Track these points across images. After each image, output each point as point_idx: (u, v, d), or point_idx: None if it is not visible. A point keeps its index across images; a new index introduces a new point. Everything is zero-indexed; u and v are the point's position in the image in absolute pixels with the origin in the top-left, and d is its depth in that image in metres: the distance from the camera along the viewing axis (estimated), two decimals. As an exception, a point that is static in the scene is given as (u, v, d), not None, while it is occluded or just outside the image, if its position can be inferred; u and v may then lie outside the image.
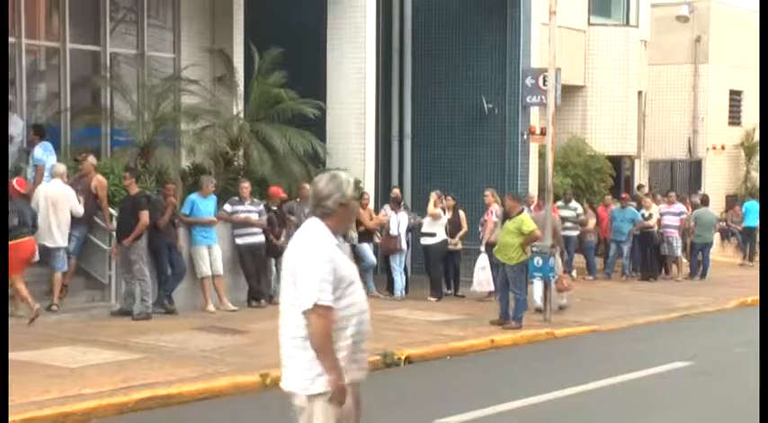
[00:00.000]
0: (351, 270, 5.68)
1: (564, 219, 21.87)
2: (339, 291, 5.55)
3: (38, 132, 16.48)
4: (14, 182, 14.84)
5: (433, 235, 19.29)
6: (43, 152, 16.09)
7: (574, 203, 23.47)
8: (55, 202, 15.04)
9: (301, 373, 5.65)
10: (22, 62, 17.91)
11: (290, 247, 5.67)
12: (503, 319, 16.10)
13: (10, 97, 17.60)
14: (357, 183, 18.36)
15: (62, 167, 15.48)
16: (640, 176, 31.21)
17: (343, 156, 19.35)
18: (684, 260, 25.16)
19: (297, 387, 5.70)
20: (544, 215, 17.59)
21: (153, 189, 16.39)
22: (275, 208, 17.60)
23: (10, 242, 13.52)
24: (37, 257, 14.51)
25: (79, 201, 15.32)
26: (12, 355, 12.05)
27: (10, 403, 9.86)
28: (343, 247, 5.72)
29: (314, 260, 5.50)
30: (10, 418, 9.49)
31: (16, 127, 16.75)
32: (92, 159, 16.14)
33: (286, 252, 5.71)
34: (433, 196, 19.18)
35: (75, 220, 15.32)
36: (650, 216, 24.29)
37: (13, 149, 16.55)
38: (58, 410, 9.86)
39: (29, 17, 18.01)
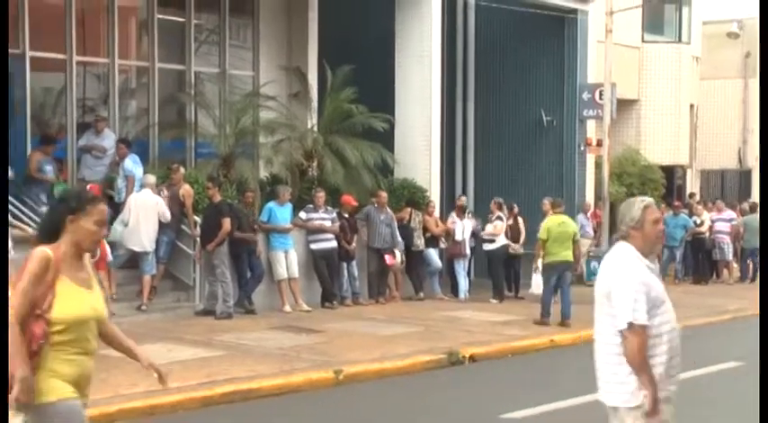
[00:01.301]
0: (661, 289, 5.69)
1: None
2: (653, 310, 5.58)
3: (126, 145, 16.67)
4: (88, 187, 15.08)
5: (493, 241, 19.23)
6: (133, 164, 16.29)
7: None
8: (144, 211, 15.20)
9: (621, 388, 5.66)
10: (115, 81, 18.13)
11: (603, 270, 5.74)
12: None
13: (103, 113, 17.86)
14: (423, 192, 18.35)
15: (152, 178, 15.65)
16: (692, 185, 30.83)
17: (410, 166, 19.32)
18: (735, 264, 24.80)
19: (617, 400, 5.71)
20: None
21: (234, 198, 16.48)
22: (347, 215, 17.63)
23: None
24: (110, 258, 14.58)
25: (168, 208, 15.47)
26: (105, 351, 12.21)
27: (103, 395, 10.00)
28: (652, 268, 5.69)
29: (627, 282, 5.54)
30: (103, 410, 9.64)
31: (109, 140, 16.93)
32: (182, 170, 16.29)
33: (599, 274, 5.77)
34: (493, 206, 19.15)
35: (163, 227, 15.46)
36: (702, 223, 23.99)
37: (105, 161, 16.76)
38: (147, 403, 9.96)
39: (121, 39, 18.23)
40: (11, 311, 4.85)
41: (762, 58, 17.16)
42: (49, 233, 5.07)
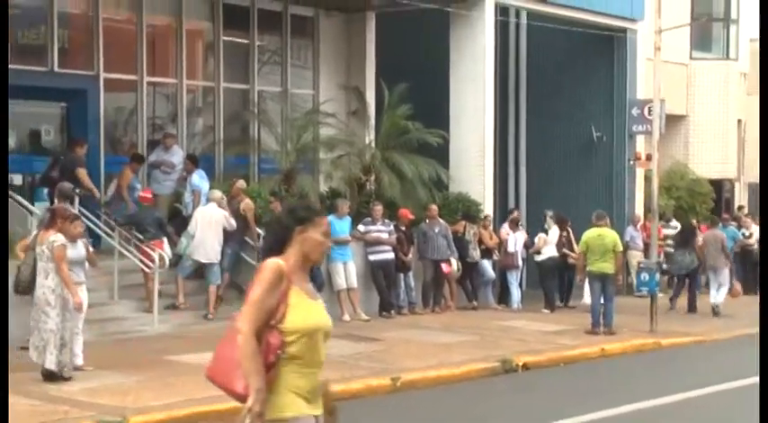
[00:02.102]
0: None
1: (666, 237, 21.57)
2: None
3: (193, 161, 16.86)
4: (142, 192, 15.36)
5: (541, 252, 19.23)
6: (200, 179, 16.48)
7: (674, 223, 23.08)
8: (209, 224, 15.34)
9: None
10: (183, 100, 18.38)
11: None
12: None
13: (172, 130, 18.08)
14: (477, 205, 18.44)
15: (218, 193, 15.79)
16: (740, 198, 30.45)
17: (464, 181, 19.32)
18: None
19: None
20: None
21: (295, 211, 16.56)
22: (404, 228, 17.68)
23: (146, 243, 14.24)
24: (168, 257, 14.79)
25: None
26: (175, 358, 12.42)
27: (174, 399, 10.15)
28: None
29: None
30: (175, 413, 9.78)
31: (177, 157, 17.14)
32: (240, 184, 16.41)
33: None
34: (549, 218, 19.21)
35: (227, 239, 15.56)
36: (750, 234, 23.72)
37: (174, 176, 16.96)
38: (215, 407, 10.05)
39: (189, 61, 18.47)
40: (245, 322, 4.70)
41: (762, 55, 16.95)
42: (277, 245, 4.90)
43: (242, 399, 4.70)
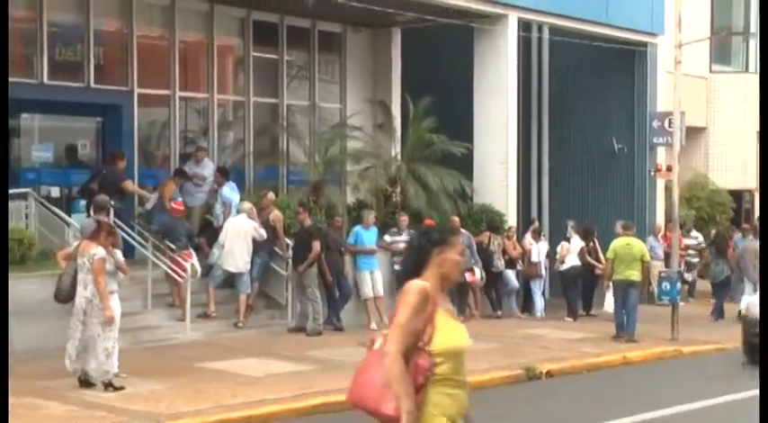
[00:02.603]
0: None
1: (687, 246, 21.47)
2: None
3: (223, 174, 16.93)
4: (173, 203, 15.46)
5: (564, 262, 19.19)
6: (230, 191, 16.55)
7: (695, 233, 22.99)
8: (239, 234, 15.39)
9: None
10: (214, 114, 18.48)
11: None
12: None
13: (203, 144, 18.17)
14: (501, 216, 18.41)
15: (248, 205, 15.83)
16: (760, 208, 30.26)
17: (488, 192, 19.29)
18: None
19: None
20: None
21: (323, 222, 16.64)
22: (429, 238, 17.63)
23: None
24: (198, 269, 14.88)
25: (260, 231, 15.68)
26: (206, 365, 12.47)
27: (204, 406, 10.19)
28: None
29: None
30: (206, 419, 9.82)
31: (208, 169, 17.21)
32: (270, 196, 16.46)
33: None
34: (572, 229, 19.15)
35: (257, 249, 15.60)
36: (770, 244, 23.51)
37: (205, 189, 17.03)
38: (245, 413, 10.12)
39: (219, 76, 18.58)
40: (394, 345, 4.62)
41: (762, 56, 16.83)
42: (415, 268, 4.83)
43: (393, 421, 4.64)
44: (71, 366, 10.86)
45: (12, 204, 14.88)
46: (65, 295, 10.97)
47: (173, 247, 14.87)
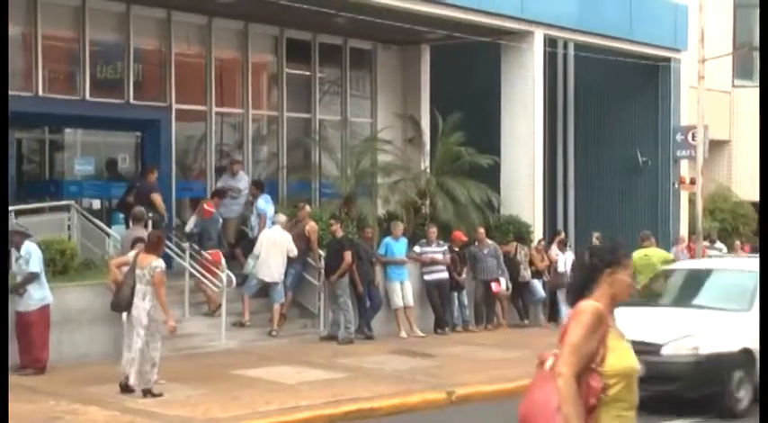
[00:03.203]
0: None
1: (709, 257, 21.30)
2: None
3: (258, 187, 17.00)
4: (205, 204, 15.56)
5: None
6: (265, 203, 16.60)
7: (719, 244, 22.83)
8: (274, 245, 15.41)
9: None
10: (248, 128, 18.56)
11: None
12: None
13: (238, 157, 18.25)
14: (527, 227, 18.36)
15: (283, 217, 15.87)
16: (782, 220, 29.96)
17: (515, 204, 19.26)
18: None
19: None
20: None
21: (354, 233, 16.65)
22: (457, 249, 17.66)
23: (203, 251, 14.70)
24: (224, 265, 14.99)
25: (295, 244, 15.67)
26: (241, 372, 12.51)
27: (239, 412, 10.21)
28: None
29: None
30: (242, 425, 9.84)
31: (243, 182, 17.28)
32: (307, 208, 16.46)
33: None
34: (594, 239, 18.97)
35: (290, 259, 15.63)
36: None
37: (240, 201, 17.08)
38: (279, 419, 10.12)
39: (254, 92, 18.68)
40: (566, 366, 4.46)
41: (762, 57, 16.66)
42: (584, 288, 4.67)
43: None
44: (132, 375, 10.80)
45: (54, 216, 15.05)
46: (124, 306, 10.92)
47: (196, 247, 15.05)
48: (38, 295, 12.07)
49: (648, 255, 16.44)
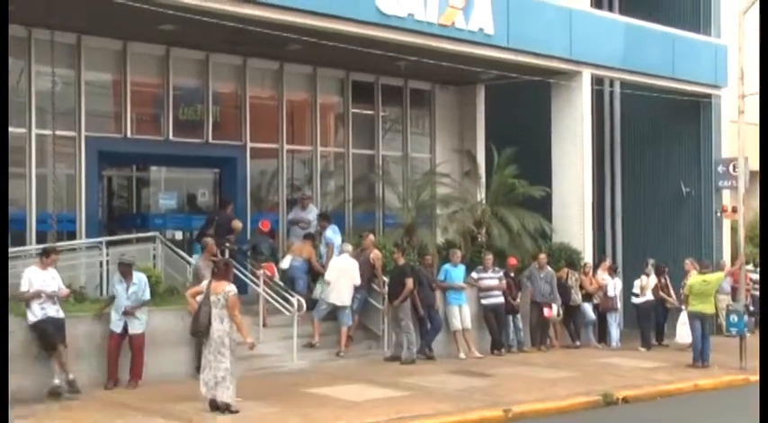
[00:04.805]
0: None
1: (752, 281, 20.89)
2: None
3: (325, 218, 17.05)
4: (260, 223, 16.05)
5: (639, 295, 18.82)
6: (333, 234, 16.65)
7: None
8: (344, 272, 15.45)
9: None
10: (317, 164, 18.68)
11: None
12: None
13: (308, 191, 18.36)
14: (578, 254, 18.22)
15: (349, 246, 15.94)
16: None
17: (565, 232, 19.09)
18: None
19: None
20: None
21: (415, 260, 16.62)
22: (512, 275, 17.53)
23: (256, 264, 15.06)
24: (276, 277, 15.26)
25: (361, 270, 15.69)
26: (311, 390, 12.51)
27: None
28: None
29: None
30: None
31: (312, 214, 17.36)
32: (371, 237, 16.51)
33: None
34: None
35: (357, 285, 15.66)
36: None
37: (310, 231, 17.15)
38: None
39: (322, 130, 18.82)
40: None
41: (762, 56, 16.21)
42: None
43: None
44: (208, 393, 10.84)
45: (141, 247, 15.28)
46: (202, 331, 10.95)
47: (253, 260, 15.37)
48: (144, 318, 12.55)
49: (707, 280, 16.23)
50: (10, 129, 14.62)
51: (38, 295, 11.79)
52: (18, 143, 14.63)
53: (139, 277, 12.65)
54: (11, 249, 13.82)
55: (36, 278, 11.90)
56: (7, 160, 11.47)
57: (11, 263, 13.27)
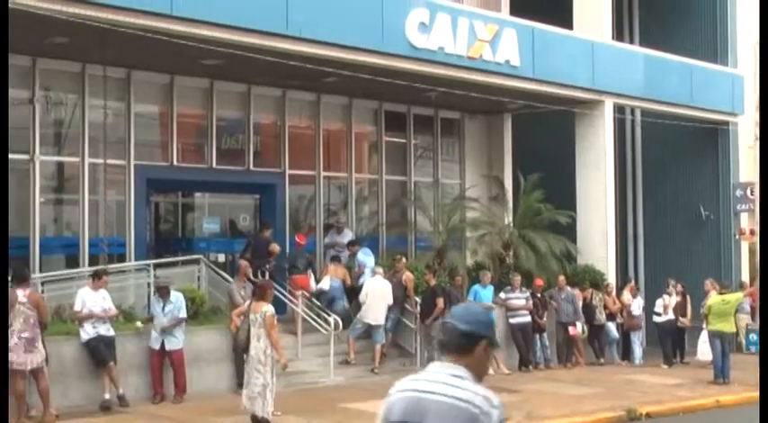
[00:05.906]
0: None
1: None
2: None
3: (354, 244, 17.03)
4: (296, 237, 16.20)
5: (660, 314, 18.64)
6: (364, 256, 16.67)
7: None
8: (377, 293, 15.48)
9: None
10: (352, 190, 18.74)
11: None
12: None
13: (343, 216, 18.42)
14: (602, 275, 18.06)
15: (380, 269, 15.99)
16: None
17: (590, 254, 18.98)
18: None
19: None
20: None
21: (446, 281, 16.60)
22: (539, 295, 17.45)
23: (291, 276, 15.29)
24: (313, 288, 15.33)
25: (394, 291, 15.67)
26: (347, 405, 12.48)
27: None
28: None
29: None
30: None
31: (347, 238, 17.40)
32: (403, 260, 16.55)
33: None
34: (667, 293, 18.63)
35: (390, 305, 15.63)
36: None
37: (345, 254, 17.19)
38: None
39: (357, 158, 18.88)
40: None
41: (762, 56, 15.98)
42: None
43: None
44: (250, 407, 10.85)
45: (186, 269, 15.37)
46: (242, 348, 11.08)
47: (288, 274, 15.49)
48: (182, 336, 12.60)
49: (726, 299, 16.07)
50: (65, 158, 14.93)
51: (90, 315, 11.91)
52: (72, 171, 14.85)
53: (176, 296, 12.73)
54: (65, 271, 14.06)
55: (88, 299, 12.04)
56: (7, 160, 11.43)
57: (65, 284, 13.49)
